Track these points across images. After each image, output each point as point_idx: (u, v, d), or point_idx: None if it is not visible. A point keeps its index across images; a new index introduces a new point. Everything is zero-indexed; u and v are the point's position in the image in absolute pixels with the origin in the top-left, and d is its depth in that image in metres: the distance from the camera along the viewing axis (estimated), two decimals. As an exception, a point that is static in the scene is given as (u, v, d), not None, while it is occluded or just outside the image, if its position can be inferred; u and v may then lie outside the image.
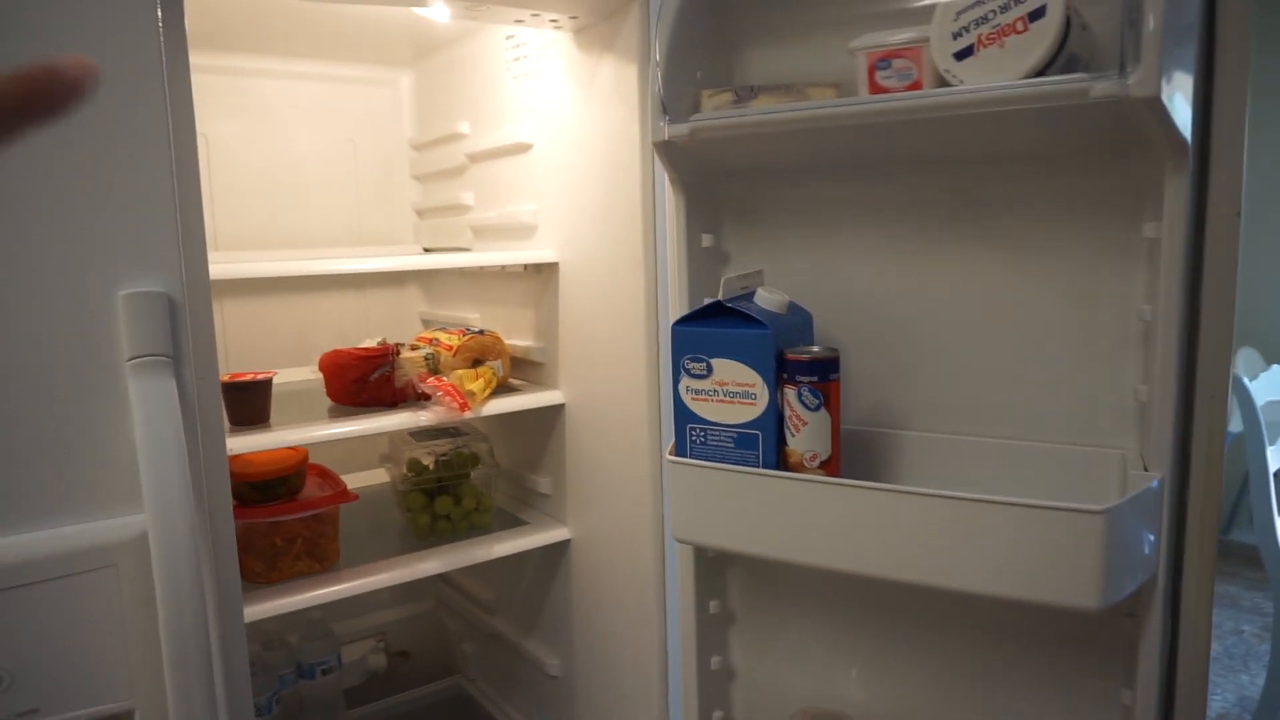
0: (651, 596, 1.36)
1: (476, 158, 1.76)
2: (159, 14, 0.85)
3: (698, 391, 1.03)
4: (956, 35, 0.87)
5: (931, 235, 1.04)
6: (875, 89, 0.94)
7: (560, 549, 1.61)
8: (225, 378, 1.36)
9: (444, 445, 1.64)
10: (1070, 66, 0.84)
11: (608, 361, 1.43)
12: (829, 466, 0.98)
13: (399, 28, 1.72)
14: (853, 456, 1.09)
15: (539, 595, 1.71)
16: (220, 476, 0.99)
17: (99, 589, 0.85)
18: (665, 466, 1.07)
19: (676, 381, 1.04)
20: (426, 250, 2.00)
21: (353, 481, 1.85)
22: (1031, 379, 0.99)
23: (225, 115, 1.79)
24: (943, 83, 0.89)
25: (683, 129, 1.01)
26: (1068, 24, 0.82)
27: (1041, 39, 0.83)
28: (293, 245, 1.89)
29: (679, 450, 1.06)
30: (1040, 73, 0.83)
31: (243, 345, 1.84)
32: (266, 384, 1.37)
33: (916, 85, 0.92)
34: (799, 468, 0.98)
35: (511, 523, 1.65)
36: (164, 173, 0.87)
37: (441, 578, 2.06)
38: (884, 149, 1.04)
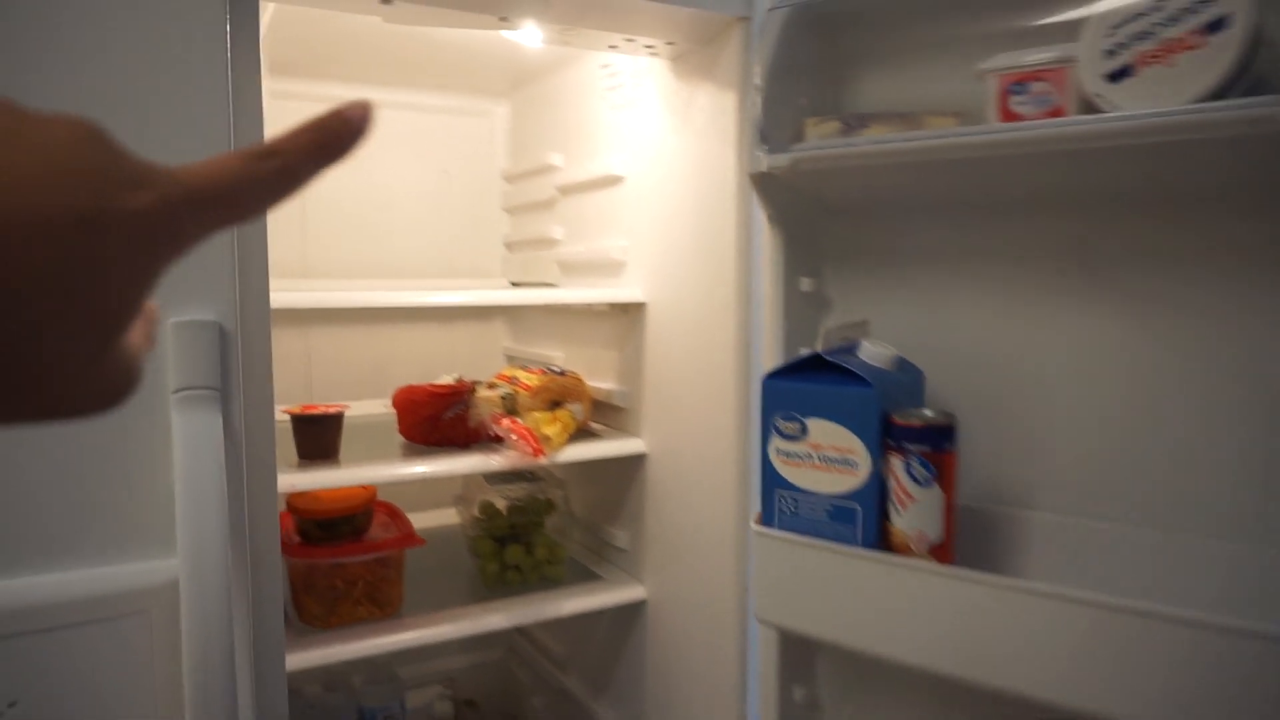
0: (730, 674, 1.23)
1: (567, 190, 1.70)
2: (227, 29, 0.81)
3: (790, 454, 0.91)
4: (1111, 53, 0.74)
5: (1064, 287, 0.90)
6: (1008, 116, 0.81)
7: (635, 609, 1.50)
8: (296, 410, 1.32)
9: (519, 490, 1.56)
10: (1256, 89, 0.69)
11: (693, 411, 1.32)
12: (940, 552, 0.84)
13: (495, 58, 1.68)
14: (966, 537, 0.95)
15: (612, 655, 1.60)
16: (269, 517, 0.93)
17: (129, 636, 0.79)
18: (750, 535, 0.95)
19: (766, 441, 0.93)
20: (514, 284, 1.95)
21: (427, 520, 1.79)
22: (1187, 461, 0.83)
23: (322, 144, 1.78)
24: (1089, 109, 0.76)
25: (783, 159, 0.91)
26: (1256, 38, 0.68)
27: (1221, 56, 0.69)
28: (383, 275, 1.87)
29: (766, 519, 0.94)
30: (1216, 96, 0.69)
31: (326, 375, 1.82)
32: (337, 418, 1.32)
33: (1057, 112, 0.79)
34: (903, 550, 0.84)
35: (585, 576, 1.55)
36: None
37: (517, 626, 1.98)
38: (1011, 187, 0.91)
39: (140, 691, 0.79)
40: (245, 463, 0.89)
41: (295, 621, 1.33)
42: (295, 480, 1.20)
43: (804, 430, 0.89)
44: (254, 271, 0.90)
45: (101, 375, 0.26)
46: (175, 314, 0.80)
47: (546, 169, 1.76)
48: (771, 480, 0.92)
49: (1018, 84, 0.81)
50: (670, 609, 1.41)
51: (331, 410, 1.32)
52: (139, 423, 0.79)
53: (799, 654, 1.08)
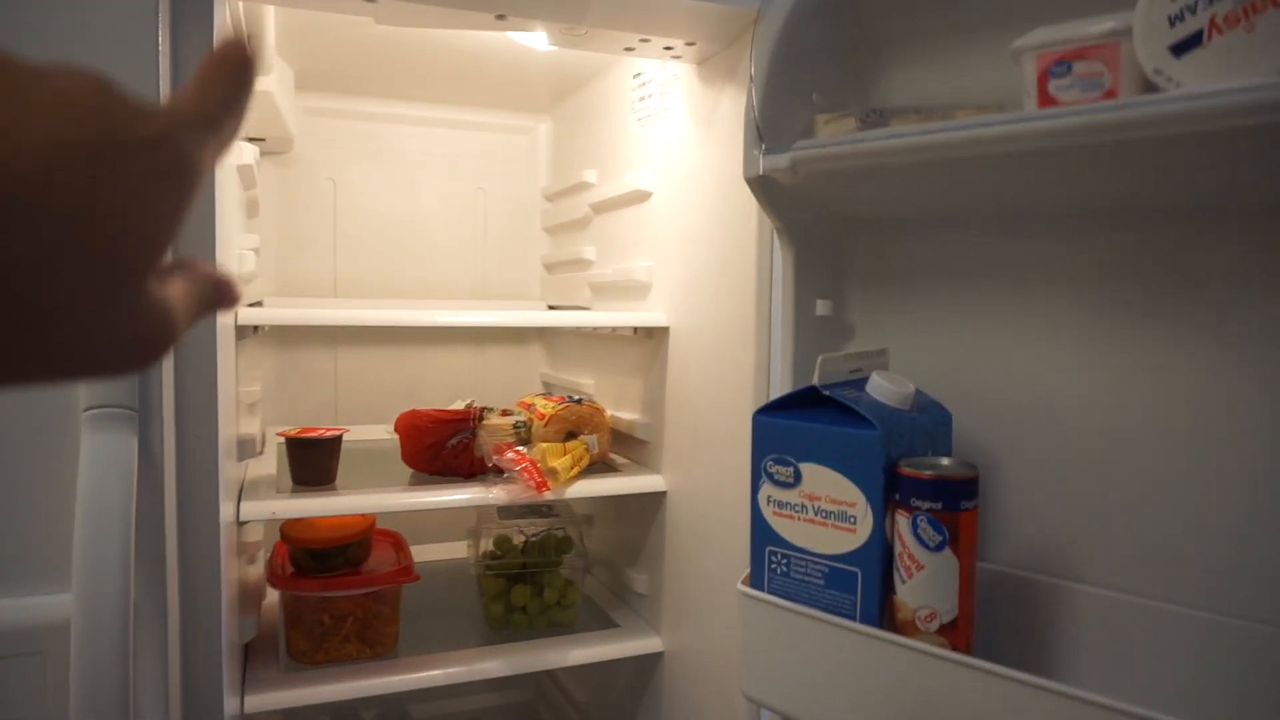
0: (740, 748, 1.09)
1: (600, 208, 1.61)
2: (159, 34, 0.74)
3: (781, 505, 0.77)
4: (1175, 19, 0.59)
5: (1132, 315, 0.74)
6: (1047, 103, 0.67)
7: (653, 661, 1.36)
8: (293, 433, 1.26)
9: (534, 526, 1.45)
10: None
11: (712, 448, 1.19)
12: (953, 632, 0.68)
13: (538, 71, 1.61)
14: (999, 611, 0.79)
15: (630, 708, 1.47)
16: (207, 547, 0.85)
17: (18, 679, 0.71)
18: (737, 597, 0.81)
19: (756, 488, 0.79)
20: (551, 308, 1.86)
21: (442, 553, 1.71)
22: (1270, 538, 0.65)
23: (354, 160, 1.75)
24: (1149, 89, 0.60)
25: (782, 160, 0.78)
26: (1366, -12, 0.52)
27: (1319, 15, 0.53)
28: (416, 296, 1.81)
29: (755, 579, 0.80)
30: (1314, 69, 0.54)
31: (353, 397, 1.77)
32: (333, 442, 1.25)
33: (1109, 97, 0.64)
34: (908, 628, 0.69)
35: (601, 622, 1.42)
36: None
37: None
38: (1063, 193, 0.75)
39: (35, 740, 0.72)
40: (176, 488, 0.81)
41: (284, 657, 1.25)
42: (273, 507, 1.13)
43: (798, 477, 0.75)
44: (199, 281, 0.83)
45: (124, 324, 0.25)
46: (90, 324, 0.73)
47: (581, 186, 1.67)
48: (761, 534, 0.79)
49: (1060, 63, 0.67)
50: (688, 665, 1.27)
51: (328, 434, 1.25)
52: (46, 442, 0.73)
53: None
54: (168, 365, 0.78)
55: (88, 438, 0.72)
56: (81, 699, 0.68)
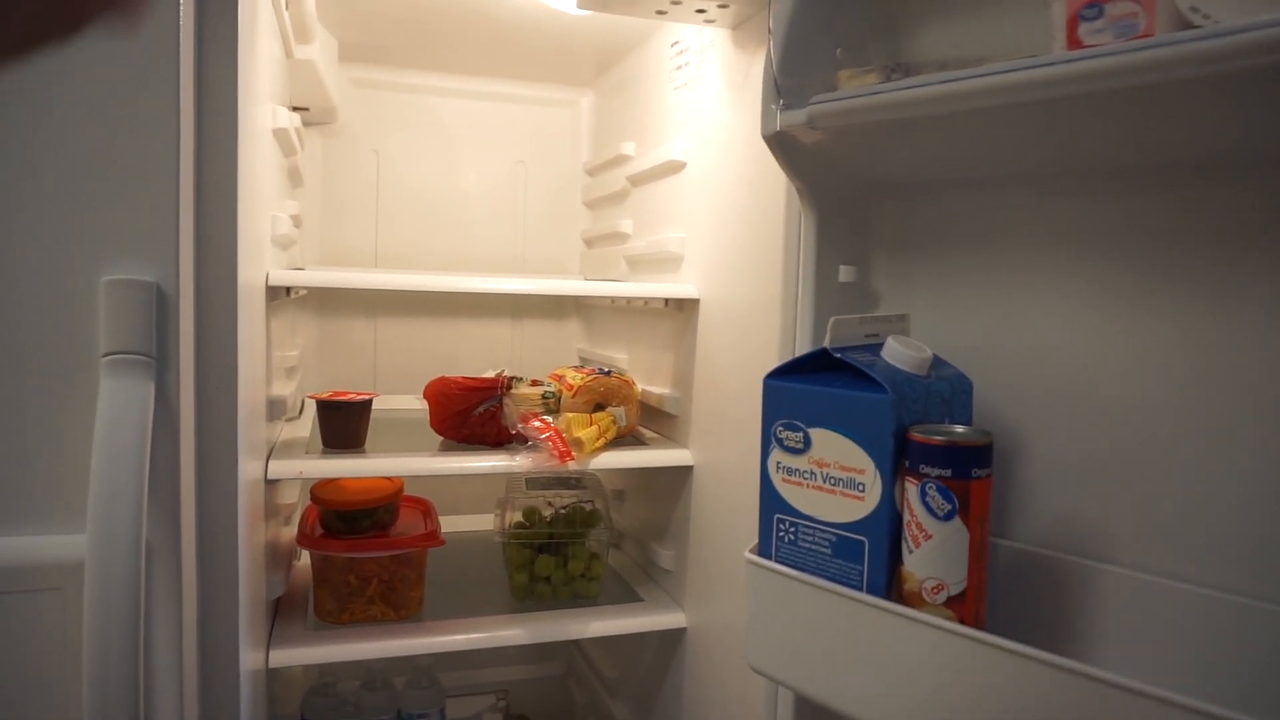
0: (757, 724, 1.07)
1: (637, 180, 1.59)
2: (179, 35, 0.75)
3: (791, 471, 0.75)
4: (1214, -46, 0.55)
5: (1169, 280, 0.69)
6: (1076, 48, 0.63)
7: (676, 637, 1.35)
8: (324, 396, 1.28)
9: (562, 497, 1.45)
10: None
11: (738, 421, 1.17)
12: (961, 605, 0.66)
13: (580, 41, 1.60)
14: (1020, 591, 0.75)
15: (655, 684, 1.46)
16: (226, 499, 0.86)
17: (38, 613, 0.74)
18: (745, 567, 0.80)
19: (766, 454, 0.77)
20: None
21: (469, 524, 1.72)
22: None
23: (398, 133, 1.76)
24: (1185, 27, 0.56)
25: (799, 115, 0.76)
26: None
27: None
28: (456, 269, 1.82)
29: (762, 548, 0.78)
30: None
31: (392, 366, 1.79)
32: (362, 406, 1.26)
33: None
34: (914, 599, 0.67)
35: (626, 596, 1.42)
36: (166, 144, 0.76)
37: (575, 642, 1.87)
38: (1096, 149, 0.71)
39: (53, 674, 0.74)
40: (195, 439, 0.82)
41: (311, 615, 1.28)
42: (300, 466, 1.14)
43: (807, 442, 0.73)
44: (219, 238, 0.84)
45: None
46: (108, 271, 0.75)
47: (619, 159, 1.65)
48: (770, 502, 0.77)
49: (1091, 5, 0.63)
50: (710, 641, 1.26)
51: (357, 398, 1.27)
52: (66, 385, 0.74)
53: (823, 711, 0.91)
54: (187, 316, 0.79)
55: (106, 383, 0.74)
56: (93, 633, 0.70)
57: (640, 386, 1.44)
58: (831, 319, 0.71)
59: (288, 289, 1.25)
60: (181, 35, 0.77)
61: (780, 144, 0.80)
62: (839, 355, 0.71)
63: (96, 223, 0.74)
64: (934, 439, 0.66)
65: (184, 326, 0.79)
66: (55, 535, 0.75)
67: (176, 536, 0.79)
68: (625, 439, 1.38)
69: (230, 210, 0.85)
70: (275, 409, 1.21)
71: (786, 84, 0.77)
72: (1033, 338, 0.79)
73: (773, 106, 0.78)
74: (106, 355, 0.74)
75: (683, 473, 1.35)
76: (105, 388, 0.74)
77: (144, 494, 0.72)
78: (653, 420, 1.47)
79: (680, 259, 1.37)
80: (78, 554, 0.72)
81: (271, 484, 1.16)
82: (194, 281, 0.81)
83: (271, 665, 1.12)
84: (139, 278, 0.75)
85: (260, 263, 1.06)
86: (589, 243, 1.90)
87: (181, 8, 0.76)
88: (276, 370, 1.26)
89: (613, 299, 1.65)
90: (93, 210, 0.74)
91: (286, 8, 1.25)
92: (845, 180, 0.87)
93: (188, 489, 0.81)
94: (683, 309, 1.36)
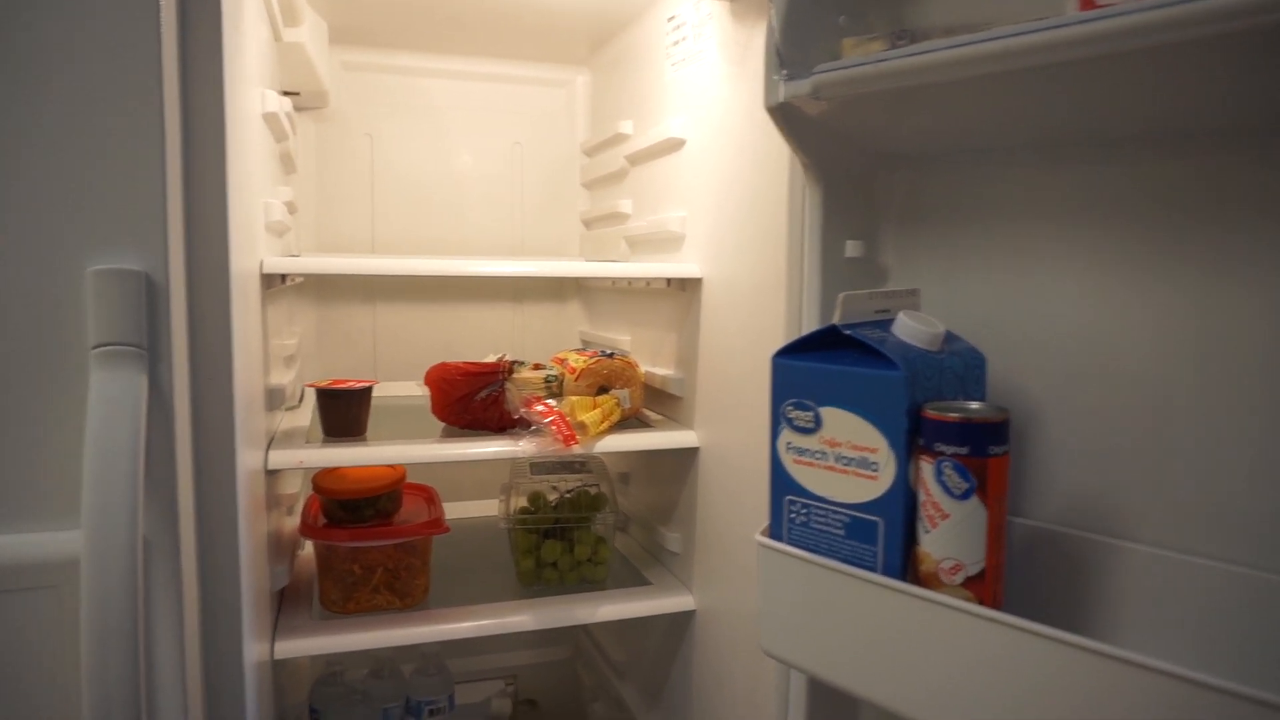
0: (771, 711, 1.05)
1: (635, 159, 1.56)
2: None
3: (801, 451, 0.73)
4: (1238, -96, 0.52)
5: (1186, 250, 0.67)
6: (1089, 8, 0.60)
7: (685, 619, 1.34)
8: (323, 384, 1.26)
9: (567, 482, 1.44)
10: None
11: (744, 403, 1.15)
12: (980, 586, 0.64)
13: (574, 19, 1.57)
14: (1038, 570, 0.74)
15: (664, 668, 1.45)
16: (225, 491, 0.85)
17: (33, 612, 0.72)
18: (756, 550, 0.78)
19: (776, 434, 0.76)
20: (589, 264, 1.83)
21: (474, 510, 1.71)
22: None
23: (391, 116, 1.73)
24: (1207, -16, 0.54)
25: (803, 86, 0.73)
26: None
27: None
28: (454, 253, 1.80)
29: (773, 530, 0.77)
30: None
31: (392, 353, 1.78)
32: (362, 394, 1.25)
33: (1164, -2, 0.58)
34: (932, 580, 0.65)
35: (634, 580, 1.41)
36: (151, 130, 0.74)
37: (583, 626, 1.87)
38: (1110, 116, 0.69)
39: (47, 674, 0.73)
40: (190, 430, 0.81)
41: (316, 605, 1.26)
42: (300, 456, 1.13)
43: (818, 422, 0.71)
44: (209, 227, 0.82)
45: None
46: (95, 261, 0.73)
47: (617, 138, 1.62)
48: (781, 483, 0.75)
49: (1106, -36, 0.60)
50: (718, 624, 1.25)
51: (357, 385, 1.25)
52: (56, 378, 0.73)
53: (836, 693, 0.90)
54: (179, 305, 0.77)
55: (96, 375, 0.72)
56: (91, 632, 0.68)
57: (644, 368, 1.42)
58: (841, 294, 0.69)
59: (283, 276, 1.23)
60: (163, 16, 0.74)
61: (784, 116, 0.78)
62: (849, 332, 0.69)
63: (81, 212, 0.72)
64: (949, 416, 0.64)
65: (175, 316, 0.77)
66: (48, 532, 0.74)
67: (175, 530, 0.77)
68: (629, 421, 1.36)
69: (220, 196, 0.83)
70: (274, 398, 1.20)
71: (789, 54, 0.74)
72: (1044, 310, 0.77)
73: (775, 78, 0.76)
74: (96, 347, 0.73)
75: (688, 454, 1.33)
76: (96, 380, 0.72)
77: (139, 488, 0.71)
78: (656, 402, 1.45)
79: (681, 238, 1.35)
80: (72, 551, 0.71)
81: (272, 474, 1.15)
82: (184, 270, 0.79)
83: (277, 656, 1.11)
84: (127, 267, 0.73)
85: (254, 250, 1.04)
86: (588, 224, 1.87)
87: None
88: (274, 359, 1.25)
89: (614, 280, 1.63)
90: (77, 199, 0.72)
91: (274, -11, 1.22)
92: (851, 152, 0.85)
93: (185, 482, 0.79)
94: (685, 289, 1.34)
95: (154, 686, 0.76)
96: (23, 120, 0.71)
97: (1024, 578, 0.74)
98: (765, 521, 0.77)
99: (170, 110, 0.76)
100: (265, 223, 1.15)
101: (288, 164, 1.53)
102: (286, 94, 1.52)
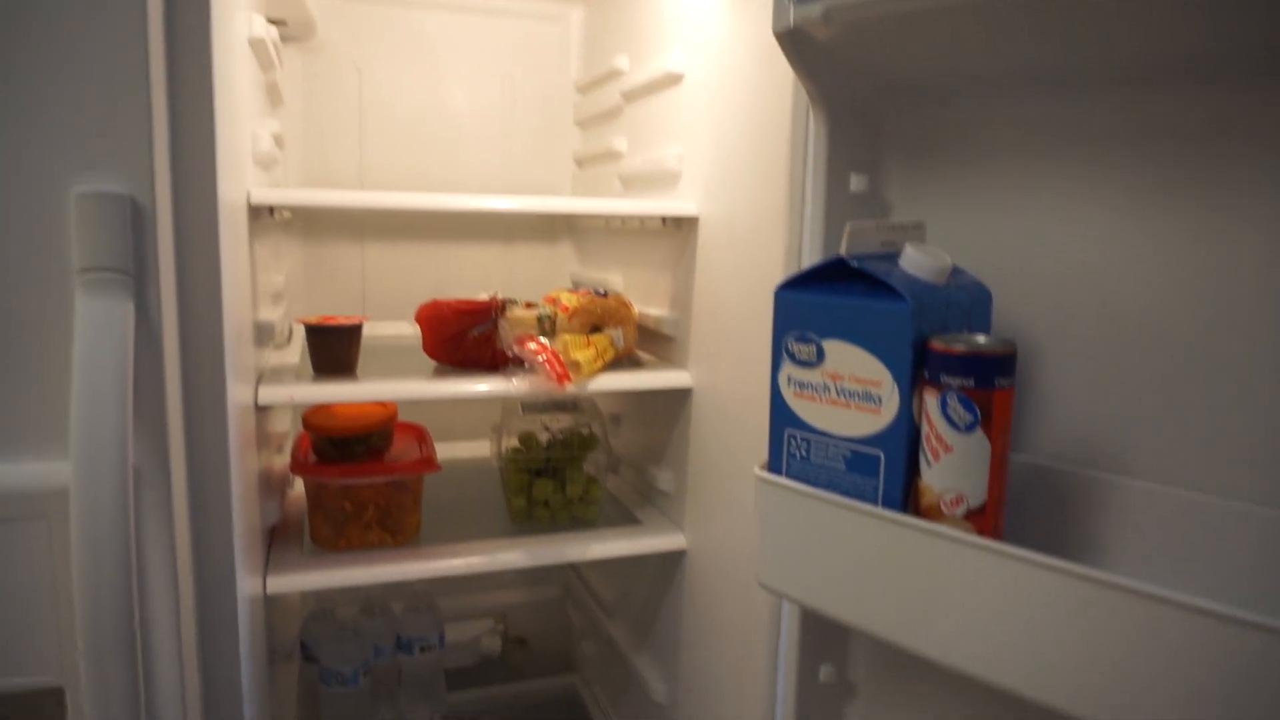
0: (762, 644, 1.07)
1: (631, 96, 1.53)
2: None
3: (803, 385, 0.73)
4: None
5: (1191, 183, 0.66)
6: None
7: (676, 559, 1.35)
8: (312, 320, 1.24)
9: (558, 421, 1.43)
10: None
11: (740, 342, 1.14)
12: (981, 519, 0.64)
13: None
14: (1038, 507, 0.74)
15: (653, 606, 1.47)
16: (215, 421, 0.84)
17: (22, 543, 0.71)
18: (754, 483, 0.78)
19: (777, 368, 0.75)
20: (582, 205, 1.80)
21: (465, 450, 1.70)
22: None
23: (380, 49, 1.68)
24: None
25: (814, 9, 0.71)
26: None
27: None
28: (444, 191, 1.76)
29: (773, 464, 0.76)
30: None
31: (381, 291, 1.75)
32: (351, 331, 1.23)
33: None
34: (932, 513, 0.65)
35: (625, 520, 1.41)
36: (135, 48, 0.70)
37: (572, 565, 1.88)
38: (1121, 46, 0.67)
39: (37, 604, 0.72)
40: (179, 359, 0.79)
41: (307, 542, 1.26)
42: (291, 392, 1.12)
43: (820, 355, 0.71)
44: (197, 154, 0.79)
45: None
46: (79, 184, 0.70)
47: (612, 74, 1.59)
48: (781, 416, 0.75)
49: (1135, -121, 0.58)
50: (710, 562, 1.26)
51: (347, 322, 1.23)
52: (42, 304, 0.71)
53: (827, 626, 0.91)
54: (165, 230, 0.75)
55: (82, 302, 0.70)
56: (83, 562, 0.68)
57: (638, 309, 1.40)
58: (849, 223, 0.68)
59: (271, 209, 1.20)
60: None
61: (792, 41, 0.75)
62: (856, 264, 0.67)
63: (64, 133, 0.69)
64: (955, 348, 0.63)
65: (162, 242, 0.75)
66: (37, 462, 0.72)
67: (165, 461, 0.76)
68: (622, 362, 1.36)
69: (208, 119, 0.80)
70: (263, 334, 1.18)
71: (800, -26, 0.72)
72: (1047, 244, 0.76)
73: (784, 1, 0.73)
74: (82, 272, 0.70)
75: (681, 395, 1.33)
76: (82, 306, 0.70)
77: (129, 417, 0.69)
78: (650, 343, 1.44)
79: (678, 176, 1.32)
80: (62, 481, 0.69)
81: (262, 411, 1.13)
82: (170, 193, 0.77)
83: (270, 591, 1.11)
84: (112, 189, 0.71)
85: (241, 180, 1.01)
86: (580, 163, 1.84)
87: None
88: (262, 295, 1.22)
89: (607, 219, 1.61)
90: (59, 121, 0.69)
91: (257, -95, 1.17)
92: (859, 82, 0.82)
93: (175, 411, 0.78)
94: (681, 227, 1.32)
95: (148, 619, 0.76)
96: (3, 40, 0.68)
97: (1022, 516, 0.74)
98: (760, 460, 0.77)
99: (154, 28, 0.72)
100: (253, 154, 1.11)
101: (274, 96, 1.48)
102: (273, 22, 1.47)
